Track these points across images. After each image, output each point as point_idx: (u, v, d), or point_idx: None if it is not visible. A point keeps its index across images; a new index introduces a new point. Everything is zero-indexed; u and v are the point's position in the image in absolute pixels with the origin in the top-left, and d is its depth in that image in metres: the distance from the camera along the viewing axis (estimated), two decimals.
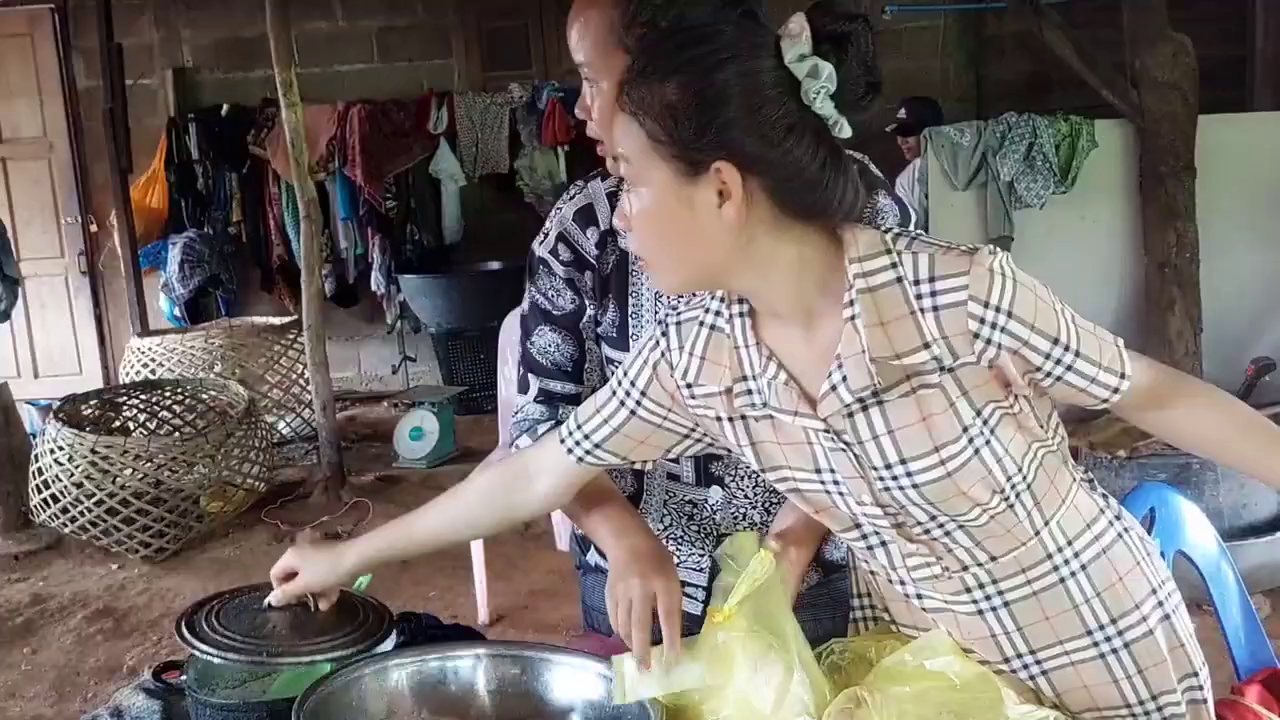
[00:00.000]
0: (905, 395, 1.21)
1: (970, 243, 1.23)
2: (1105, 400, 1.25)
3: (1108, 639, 1.32)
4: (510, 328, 3.57)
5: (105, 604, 4.39)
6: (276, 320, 6.55)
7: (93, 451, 4.65)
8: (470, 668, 1.45)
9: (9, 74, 7.11)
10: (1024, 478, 1.25)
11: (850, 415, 1.23)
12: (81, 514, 4.64)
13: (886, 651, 1.36)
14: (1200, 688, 1.37)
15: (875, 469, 1.24)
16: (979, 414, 1.21)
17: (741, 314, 1.29)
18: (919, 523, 1.28)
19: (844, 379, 1.21)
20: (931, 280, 1.18)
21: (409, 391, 6.73)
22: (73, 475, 4.63)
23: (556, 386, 1.61)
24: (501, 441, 3.68)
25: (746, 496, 1.60)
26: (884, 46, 1.24)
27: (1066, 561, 1.30)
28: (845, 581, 1.69)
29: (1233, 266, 5.04)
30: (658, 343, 1.35)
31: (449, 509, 1.52)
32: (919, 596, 1.36)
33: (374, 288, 7.04)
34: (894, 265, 1.20)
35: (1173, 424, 1.32)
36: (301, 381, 6.11)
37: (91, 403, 5.25)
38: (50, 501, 4.68)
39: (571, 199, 1.62)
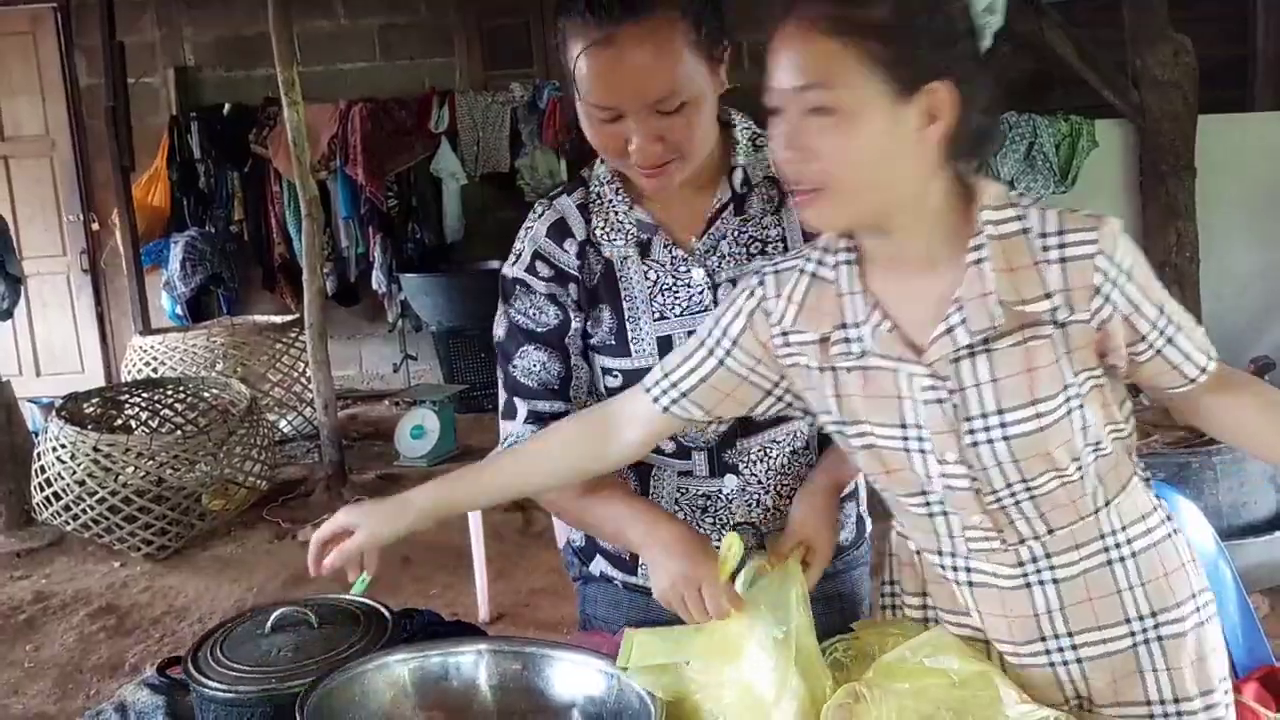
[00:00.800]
0: (1015, 345, 1.23)
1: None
2: (1192, 380, 1.29)
3: (1144, 630, 1.33)
4: None
5: (107, 601, 4.40)
6: (278, 319, 6.56)
7: (95, 449, 4.66)
8: (472, 663, 1.46)
9: (11, 72, 7.12)
10: (1097, 450, 1.29)
11: (956, 360, 1.25)
12: (83, 511, 4.65)
13: (889, 647, 1.37)
14: (1218, 705, 1.37)
15: (970, 419, 1.25)
16: (1077, 376, 1.25)
17: (848, 261, 1.30)
18: (994, 491, 1.29)
19: (962, 321, 1.23)
20: (1060, 233, 1.22)
21: (410, 390, 6.73)
22: (75, 473, 4.64)
23: (545, 406, 1.58)
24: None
25: (760, 482, 1.61)
26: None
27: (1118, 545, 1.33)
28: (850, 576, 1.72)
29: (1233, 266, 5.05)
30: (753, 292, 1.35)
31: (527, 458, 1.51)
32: (967, 569, 1.36)
33: (375, 286, 7.05)
34: (1019, 218, 1.23)
35: (1224, 412, 1.35)
36: (303, 380, 6.12)
37: (93, 401, 5.26)
38: (52, 499, 4.69)
39: (540, 217, 1.59)
